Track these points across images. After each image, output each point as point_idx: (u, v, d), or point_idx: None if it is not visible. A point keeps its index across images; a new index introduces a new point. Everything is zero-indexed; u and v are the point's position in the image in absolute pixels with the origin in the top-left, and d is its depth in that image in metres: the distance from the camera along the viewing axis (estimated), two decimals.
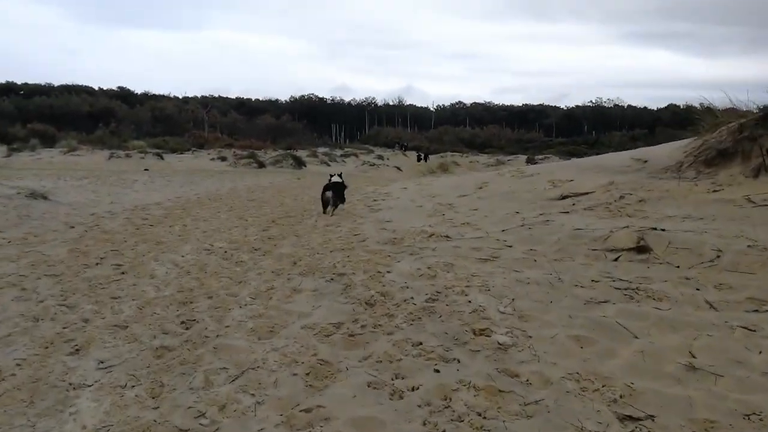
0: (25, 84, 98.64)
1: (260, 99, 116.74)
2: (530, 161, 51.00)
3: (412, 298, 5.18)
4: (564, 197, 9.48)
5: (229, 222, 10.88)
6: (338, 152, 60.30)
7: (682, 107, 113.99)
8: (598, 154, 66.32)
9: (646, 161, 10.47)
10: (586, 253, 6.29)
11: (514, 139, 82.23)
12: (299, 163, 40.34)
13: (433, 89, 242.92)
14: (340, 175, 12.61)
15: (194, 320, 5.02)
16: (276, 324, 4.80)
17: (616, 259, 6.01)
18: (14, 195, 12.43)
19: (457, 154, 69.82)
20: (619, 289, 5.10)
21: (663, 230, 6.43)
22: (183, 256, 7.68)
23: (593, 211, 8.40)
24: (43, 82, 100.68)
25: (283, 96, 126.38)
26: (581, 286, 5.24)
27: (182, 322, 4.98)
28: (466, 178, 15.93)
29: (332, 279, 6.14)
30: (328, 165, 45.21)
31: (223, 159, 40.28)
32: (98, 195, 15.42)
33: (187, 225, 10.49)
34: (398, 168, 47.89)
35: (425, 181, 18.14)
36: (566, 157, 56.53)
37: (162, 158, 37.75)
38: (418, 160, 62.76)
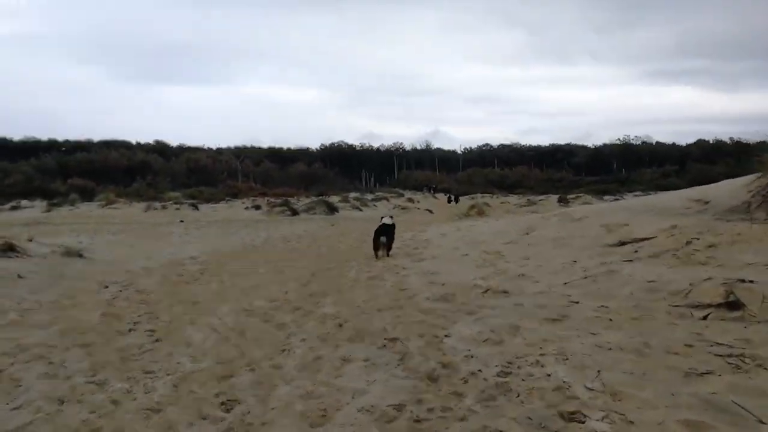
0: (66, 141, 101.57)
1: (292, 148, 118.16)
2: (562, 201, 50.14)
3: (480, 370, 4.50)
4: (623, 243, 8.73)
5: (267, 276, 10.34)
6: (369, 196, 60.22)
7: (711, 142, 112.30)
8: (629, 192, 65.05)
9: (707, 202, 9.70)
10: (668, 310, 5.56)
11: (544, 179, 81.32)
12: (331, 209, 40.04)
13: (459, 133, 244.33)
14: (391, 217, 12.13)
15: (236, 400, 4.40)
16: (328, 405, 4.16)
17: (704, 318, 5.27)
18: (49, 254, 12.10)
19: (487, 195, 69.16)
20: (721, 356, 4.37)
21: (752, 282, 5.67)
22: (221, 319, 7.11)
23: (659, 259, 7.66)
24: (83, 139, 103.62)
25: (314, 144, 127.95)
26: (674, 353, 4.51)
27: (222, 404, 4.36)
28: (507, 222, 15.24)
29: (384, 346, 5.50)
30: (360, 210, 44.94)
31: (257, 207, 40.22)
32: (134, 249, 15.08)
33: (224, 281, 9.97)
34: (429, 210, 47.34)
35: (463, 226, 17.48)
36: (598, 196, 55.59)
37: (197, 208, 37.83)
38: (449, 201, 62.32)
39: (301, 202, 46.80)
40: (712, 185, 11.99)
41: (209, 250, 15.05)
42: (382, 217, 13.10)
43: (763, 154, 10.36)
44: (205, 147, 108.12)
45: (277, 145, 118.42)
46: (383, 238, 11.74)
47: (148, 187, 53.46)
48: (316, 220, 32.42)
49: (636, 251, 8.15)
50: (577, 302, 6.17)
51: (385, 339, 5.67)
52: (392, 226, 12.55)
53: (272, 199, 47.77)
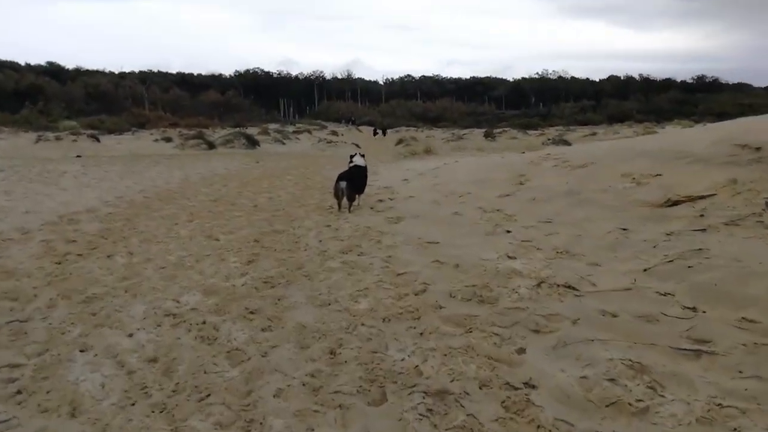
0: None
1: (203, 74, 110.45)
2: (488, 135, 48.60)
3: None
4: (674, 203, 6.64)
5: (195, 244, 7.65)
6: (290, 129, 56.76)
7: (622, 78, 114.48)
8: (551, 126, 64.68)
9: (758, 148, 7.72)
10: None
11: (467, 113, 79.73)
12: (252, 143, 36.64)
13: (381, 63, 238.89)
14: (362, 156, 9.61)
15: None
16: None
17: None
18: None
19: (411, 128, 66.97)
20: None
21: None
22: (131, 336, 4.49)
23: (743, 228, 5.60)
24: None
25: (227, 70, 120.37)
26: None
27: None
28: (480, 165, 12.95)
29: (430, 409, 3.13)
30: (283, 143, 41.77)
31: (168, 140, 36.16)
32: (11, 198, 11.76)
33: (134, 252, 7.20)
34: (356, 145, 44.70)
35: (422, 168, 15.10)
36: (522, 131, 54.61)
37: (98, 140, 33.37)
38: (374, 134, 59.97)
39: (217, 133, 42.87)
40: (732, 123, 10.07)
41: (113, 198, 11.98)
42: (351, 156, 10.50)
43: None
44: (106, 70, 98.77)
45: (188, 71, 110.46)
46: (342, 184, 9.21)
47: (39, 114, 47.35)
48: (237, 155, 29.12)
49: (702, 215, 6.07)
50: (704, 312, 3.98)
51: (424, 392, 3.31)
52: (364, 170, 10.01)
53: (184, 130, 43.50)
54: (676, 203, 6.63)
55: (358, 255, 6.53)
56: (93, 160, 22.43)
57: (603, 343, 3.66)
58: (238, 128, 46.57)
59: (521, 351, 3.78)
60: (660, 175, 7.68)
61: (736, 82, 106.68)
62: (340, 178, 9.44)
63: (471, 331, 4.12)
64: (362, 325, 4.45)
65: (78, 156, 24.73)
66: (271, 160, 25.83)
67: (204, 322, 4.71)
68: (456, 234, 6.98)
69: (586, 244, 5.89)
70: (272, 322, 4.66)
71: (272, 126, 56.31)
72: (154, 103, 77.81)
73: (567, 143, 36.28)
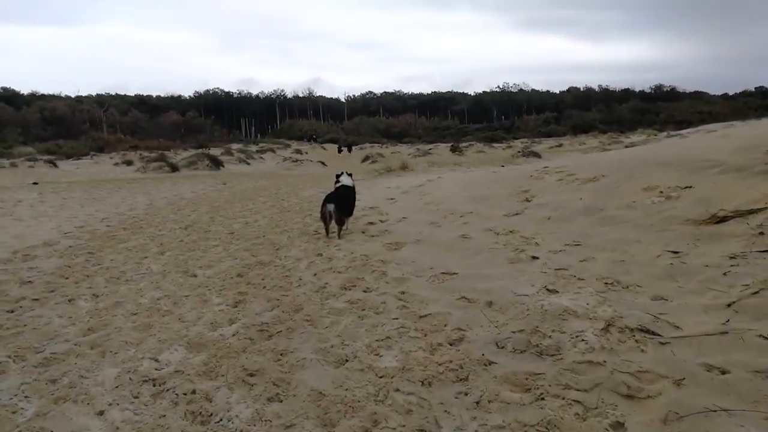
0: None
1: (162, 95, 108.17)
2: (455, 150, 48.23)
3: None
4: (721, 219, 5.89)
5: (170, 282, 6.59)
6: (253, 148, 55.62)
7: (582, 89, 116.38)
8: (515, 138, 64.88)
9: None
10: None
11: (431, 128, 79.52)
12: (216, 164, 35.36)
13: (341, 80, 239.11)
14: (350, 175, 8.71)
15: None
16: None
17: None
18: None
19: (376, 144, 66.34)
20: None
21: None
22: (101, 414, 3.47)
23: None
24: None
25: (187, 91, 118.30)
26: None
27: None
28: (469, 180, 12.12)
29: None
30: (248, 164, 40.64)
31: (129, 163, 34.66)
32: None
33: (100, 296, 6.11)
34: (323, 163, 43.85)
35: (404, 185, 14.23)
36: (488, 144, 54.44)
37: (55, 166, 31.71)
38: (339, 151, 59.30)
39: (179, 155, 41.44)
40: (738, 128, 9.48)
41: (73, 228, 10.78)
42: (337, 175, 9.57)
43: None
44: (63, 94, 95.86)
45: (146, 92, 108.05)
46: (330, 207, 8.29)
47: None
48: (202, 177, 27.88)
49: (762, 232, 5.31)
50: None
51: None
52: (352, 190, 9.09)
53: (145, 153, 42.01)
54: (723, 219, 5.87)
55: (364, 291, 5.58)
56: (51, 187, 20.96)
57: (730, 414, 2.80)
58: (201, 149, 45.23)
59: (618, 426, 2.89)
60: (690, 187, 6.94)
61: (692, 90, 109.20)
62: (328, 200, 8.49)
63: (542, 398, 3.22)
64: (396, 390, 3.51)
65: (35, 183, 23.16)
66: (238, 181, 24.72)
67: (194, 391, 3.70)
68: (473, 262, 6.09)
69: (635, 272, 5.06)
70: (280, 388, 3.68)
71: (235, 146, 55.05)
72: (112, 126, 75.60)
73: (537, 155, 35.97)
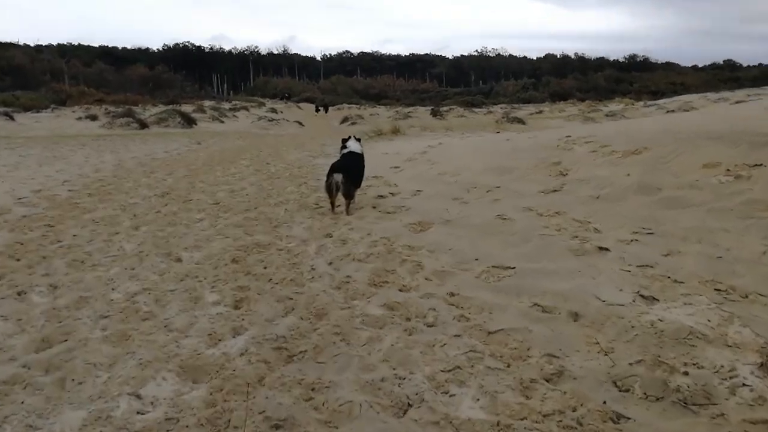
0: None
1: (129, 47, 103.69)
2: (436, 114, 47.01)
3: None
4: None
5: (148, 268, 5.36)
6: (226, 106, 53.50)
7: (558, 57, 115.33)
8: (494, 104, 63.84)
9: None
10: None
11: (410, 90, 77.75)
12: (188, 121, 33.50)
13: (317, 40, 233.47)
14: (358, 140, 7.53)
15: None
16: None
17: None
18: None
19: (354, 105, 64.50)
20: None
21: None
22: None
23: None
24: None
25: (155, 44, 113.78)
26: None
27: None
28: (477, 147, 10.92)
29: None
30: (221, 122, 38.80)
31: (93, 118, 32.55)
32: None
33: (60, 287, 4.86)
34: (300, 123, 42.20)
35: (404, 150, 13.01)
36: (468, 108, 53.20)
37: (12, 119, 29.52)
38: (317, 111, 57.65)
39: (148, 111, 39.33)
40: None
41: (29, 193, 9.36)
42: (344, 140, 8.31)
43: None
44: (21, 43, 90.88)
45: (112, 44, 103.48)
46: (338, 177, 7.08)
47: None
48: (174, 135, 26.15)
49: None
50: None
51: None
52: (361, 158, 7.86)
53: (111, 108, 39.69)
54: None
55: (401, 290, 4.44)
56: (5, 143, 19.19)
57: None
58: (171, 105, 43.09)
59: None
60: (761, 165, 5.91)
61: (664, 61, 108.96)
62: (334, 169, 7.27)
63: None
64: None
65: None
66: (214, 140, 23.15)
67: None
68: (525, 252, 4.98)
69: (745, 274, 4.01)
70: None
71: (207, 103, 52.89)
72: (75, 78, 72.00)
73: (521, 122, 34.96)
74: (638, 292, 3.87)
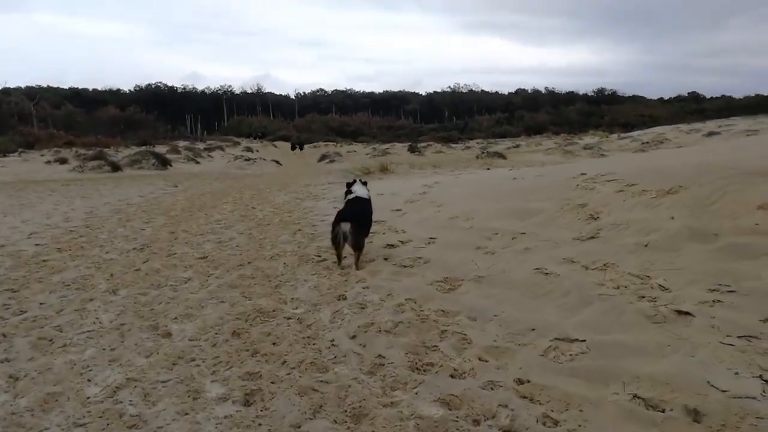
0: None
1: (99, 89, 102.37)
2: (414, 150, 46.68)
3: None
4: None
5: (132, 349, 4.42)
6: (201, 146, 52.55)
7: (529, 91, 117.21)
8: (470, 139, 63.84)
9: None
10: None
11: (385, 127, 77.59)
12: (163, 162, 32.42)
13: (290, 77, 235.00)
14: (364, 183, 6.73)
15: None
16: None
17: None
18: None
19: (330, 143, 63.97)
20: None
21: None
22: None
23: None
24: None
25: (126, 85, 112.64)
26: None
27: None
28: (481, 186, 10.14)
29: None
30: (197, 162, 37.82)
31: (63, 161, 31.28)
32: None
33: (20, 381, 3.90)
34: (277, 162, 41.39)
35: (394, 190, 12.22)
36: (446, 144, 52.98)
37: None
38: (292, 149, 57.14)
39: (121, 153, 38.15)
40: None
41: None
42: (348, 184, 7.49)
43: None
44: None
45: (82, 86, 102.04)
46: (346, 228, 6.24)
47: None
48: (149, 177, 25.09)
49: None
50: None
51: None
52: (368, 204, 7.03)
53: (82, 150, 38.43)
54: None
55: (454, 377, 3.57)
56: None
57: None
58: (144, 146, 41.96)
59: None
60: None
61: (631, 94, 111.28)
62: (341, 217, 6.42)
63: None
64: None
65: None
66: (191, 182, 22.17)
67: None
68: (591, 320, 4.16)
69: None
70: None
71: (181, 143, 51.81)
72: (44, 120, 70.38)
73: (502, 156, 34.62)
74: (761, 376, 3.07)
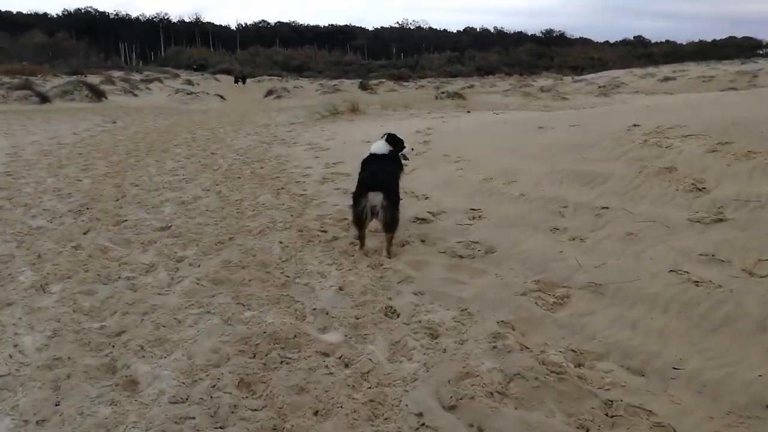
0: None
1: (24, 12, 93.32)
2: (366, 88, 44.32)
3: None
4: None
5: (75, 421, 2.54)
6: (137, 77, 48.50)
7: (478, 30, 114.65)
8: (421, 77, 61.51)
9: None
10: None
11: (333, 62, 73.90)
12: (98, 94, 29.13)
13: (231, 8, 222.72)
14: (394, 140, 4.86)
15: None
16: None
17: None
18: None
19: (275, 78, 60.46)
20: None
21: None
22: None
23: None
24: None
25: (54, 9, 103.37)
26: None
27: None
28: (504, 135, 8.34)
29: None
30: (135, 95, 34.44)
31: None
32: None
33: None
34: (221, 96, 38.29)
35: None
36: (397, 82, 50.65)
37: None
38: (236, 82, 54.28)
39: (49, 82, 34.23)
40: None
41: None
42: (382, 135, 5.54)
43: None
44: None
45: (5, 8, 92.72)
46: (377, 200, 4.41)
47: None
48: (82, 111, 22.07)
49: None
50: None
51: None
52: (395, 163, 5.15)
53: (6, 79, 34.22)
54: None
55: None
56: None
57: None
58: (76, 76, 37.91)
59: None
60: None
61: (578, 36, 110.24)
62: (367, 183, 4.56)
63: None
64: None
65: None
66: (131, 118, 19.47)
67: None
68: None
69: None
70: None
71: (116, 74, 47.57)
72: None
73: (461, 97, 32.77)
74: None
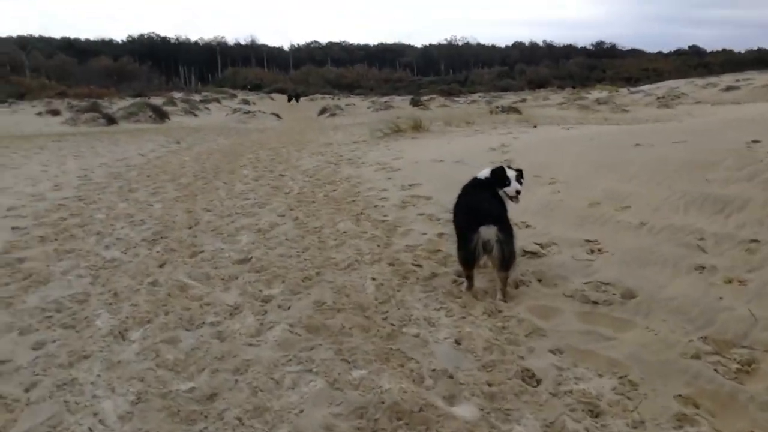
0: None
1: (92, 39, 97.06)
2: (417, 104, 43.80)
3: None
4: None
5: None
6: (197, 97, 49.42)
7: (527, 44, 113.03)
8: (471, 93, 60.71)
9: None
10: None
11: (383, 79, 73.84)
12: (161, 115, 29.47)
13: (284, 31, 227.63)
14: (507, 170, 4.17)
15: None
16: None
17: None
18: None
19: (327, 96, 60.75)
20: None
21: None
22: None
23: None
24: None
25: (118, 36, 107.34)
26: None
27: None
28: (582, 153, 7.58)
29: None
30: (195, 115, 34.81)
31: (55, 113, 28.31)
32: None
33: None
34: (277, 115, 38.38)
35: (457, 155, 9.64)
36: (449, 98, 49.99)
37: None
38: (289, 100, 54.89)
39: (115, 105, 35.07)
40: None
41: None
42: (493, 167, 4.79)
43: None
44: None
45: (74, 36, 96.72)
46: (490, 235, 3.74)
47: None
48: (146, 132, 22.24)
49: None
50: None
51: None
52: (494, 189, 4.40)
53: (75, 102, 35.28)
54: None
55: None
56: None
57: None
58: (140, 98, 38.75)
59: None
60: None
61: (629, 47, 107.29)
62: (476, 215, 3.92)
63: None
64: None
65: None
66: (193, 138, 19.41)
67: None
68: None
69: None
70: None
71: (177, 95, 48.65)
72: (36, 70, 66.25)
73: (517, 111, 31.82)
74: None
